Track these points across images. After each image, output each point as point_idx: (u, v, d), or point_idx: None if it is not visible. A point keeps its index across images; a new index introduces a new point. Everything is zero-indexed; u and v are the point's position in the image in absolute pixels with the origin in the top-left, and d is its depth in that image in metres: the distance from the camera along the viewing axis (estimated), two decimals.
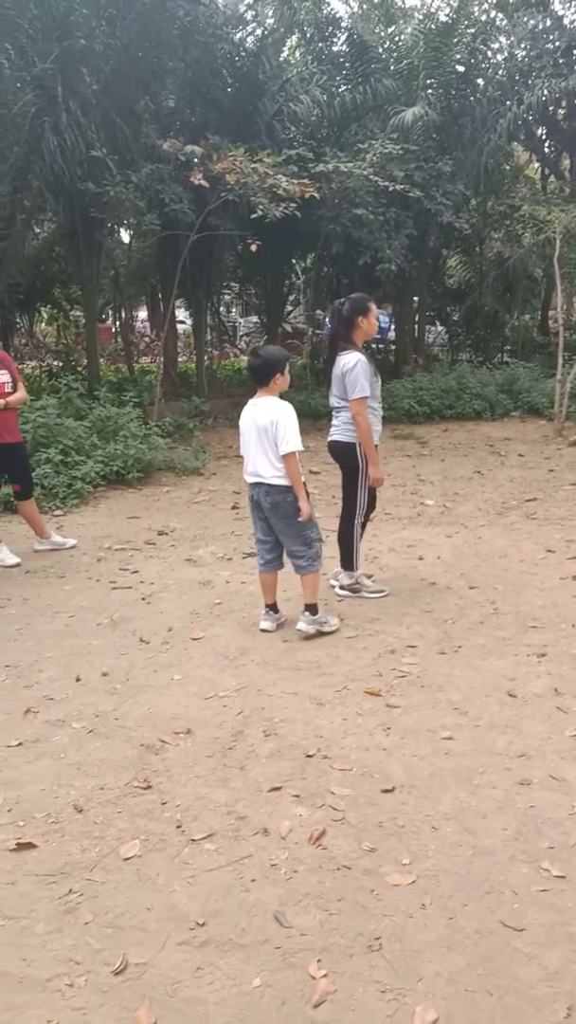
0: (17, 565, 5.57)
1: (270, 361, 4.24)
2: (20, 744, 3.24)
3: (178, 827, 2.71)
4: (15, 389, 5.60)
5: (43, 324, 20.34)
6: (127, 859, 2.56)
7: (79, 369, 12.74)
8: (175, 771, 3.03)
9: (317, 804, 2.82)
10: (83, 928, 2.28)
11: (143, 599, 4.95)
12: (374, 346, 17.13)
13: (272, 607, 4.49)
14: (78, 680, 3.81)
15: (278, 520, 4.27)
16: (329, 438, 4.94)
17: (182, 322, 19.31)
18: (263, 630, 4.40)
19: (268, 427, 4.14)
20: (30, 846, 2.62)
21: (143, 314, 23.70)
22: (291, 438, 4.13)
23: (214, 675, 3.87)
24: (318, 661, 4.02)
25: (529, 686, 3.74)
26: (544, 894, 2.39)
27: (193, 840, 2.64)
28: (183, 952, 2.20)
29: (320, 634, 4.32)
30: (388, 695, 3.65)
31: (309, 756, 3.13)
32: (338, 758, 3.12)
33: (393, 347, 16.46)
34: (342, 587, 4.99)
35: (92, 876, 2.49)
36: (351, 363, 4.58)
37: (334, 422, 4.89)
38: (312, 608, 4.36)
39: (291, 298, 18.58)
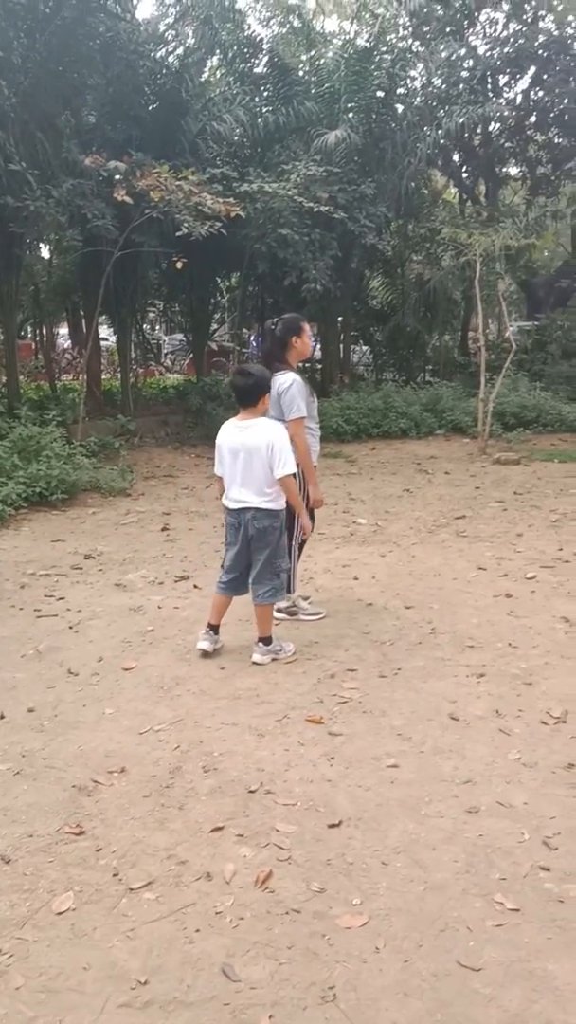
0: None
1: (261, 381, 4.12)
2: None
3: (115, 875, 2.54)
4: None
5: None
6: (60, 913, 2.38)
7: None
8: (110, 814, 2.86)
9: (262, 843, 2.70)
10: (14, 994, 2.09)
11: (71, 627, 4.73)
12: (299, 365, 17.18)
13: (215, 628, 4.35)
14: (2, 717, 3.58)
15: (260, 546, 4.13)
16: None
17: (105, 339, 18.99)
18: (201, 650, 4.25)
19: (262, 449, 4.01)
20: None
21: (64, 330, 23.23)
22: (288, 460, 4.04)
23: (148, 707, 3.70)
24: (257, 689, 3.90)
25: (470, 708, 3.70)
26: (499, 929, 2.32)
27: (131, 889, 2.47)
28: (125, 1015, 2.03)
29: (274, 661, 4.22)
30: (330, 722, 3.55)
31: (251, 791, 3.00)
32: (282, 792, 3.00)
33: (319, 366, 16.54)
34: (279, 610, 4.89)
35: (22, 934, 2.30)
36: (286, 383, 4.51)
37: None
38: (267, 639, 4.24)
39: (216, 316, 18.52)
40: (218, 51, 13.99)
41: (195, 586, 5.48)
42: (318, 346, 16.97)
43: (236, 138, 12.34)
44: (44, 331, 15.31)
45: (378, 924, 2.34)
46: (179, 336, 21.64)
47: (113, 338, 16.85)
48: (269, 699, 3.78)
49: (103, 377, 15.34)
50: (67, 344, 21.17)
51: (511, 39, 15.86)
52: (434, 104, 15.16)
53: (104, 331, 18.83)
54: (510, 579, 5.68)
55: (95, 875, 2.54)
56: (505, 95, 16.99)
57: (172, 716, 3.60)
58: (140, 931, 2.31)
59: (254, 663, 4.17)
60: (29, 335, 19.62)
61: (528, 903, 2.42)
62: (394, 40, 15.55)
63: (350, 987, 2.12)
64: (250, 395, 4.11)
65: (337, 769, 3.16)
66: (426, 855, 2.65)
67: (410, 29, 16.52)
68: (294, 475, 4.15)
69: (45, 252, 14.13)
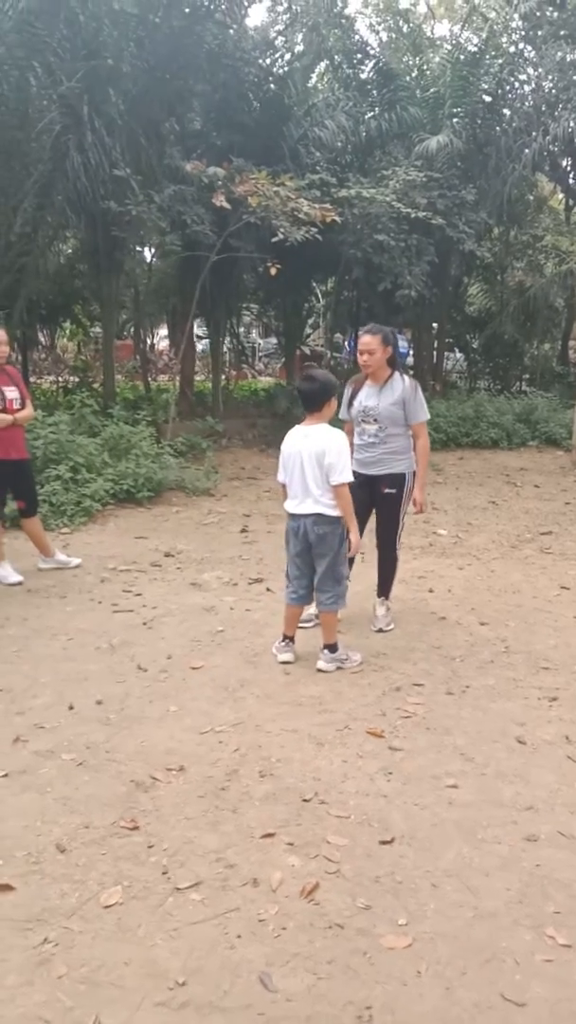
0: (20, 583, 5.47)
1: (326, 386, 4.13)
2: (6, 775, 3.11)
3: (163, 873, 2.57)
4: (23, 406, 5.53)
5: (64, 340, 20.44)
6: (108, 907, 2.43)
7: (95, 386, 12.73)
8: (164, 811, 2.90)
9: (311, 854, 2.68)
10: (56, 982, 2.15)
11: (144, 624, 4.83)
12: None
13: (292, 639, 4.34)
14: (71, 708, 3.69)
15: (321, 552, 4.14)
16: (377, 471, 4.70)
17: (200, 338, 19.33)
18: (284, 662, 4.25)
19: (320, 456, 4.02)
20: (7, 888, 2.49)
21: (164, 332, 23.77)
22: (344, 468, 4.03)
23: (211, 708, 3.73)
24: (320, 697, 3.88)
25: (539, 732, 3.58)
26: (548, 964, 2.24)
27: (178, 889, 2.50)
28: (160, 1014, 2.06)
29: (339, 670, 4.20)
30: (391, 736, 3.50)
31: (306, 800, 2.98)
32: (336, 803, 2.97)
33: (411, 372, 16.38)
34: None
35: (69, 924, 2.36)
36: (412, 385, 4.63)
37: (375, 453, 4.70)
38: (332, 646, 4.23)
39: (311, 321, 18.59)
40: (325, 57, 14.05)
41: (268, 589, 5.51)
42: (411, 353, 16.85)
43: (337, 144, 12.33)
44: (142, 332, 15.68)
45: (422, 947, 2.30)
46: (274, 340, 21.82)
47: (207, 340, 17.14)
48: (331, 708, 3.76)
49: (196, 379, 15.61)
50: (165, 345, 21.67)
51: None
52: (543, 108, 14.76)
53: (200, 333, 19.17)
54: None
55: (144, 871, 2.58)
56: None
57: (234, 718, 3.63)
58: (183, 931, 2.33)
59: (319, 670, 4.15)
60: (129, 336, 20.16)
61: None
62: (505, 43, 15.25)
63: (387, 1010, 2.08)
64: (316, 399, 4.11)
65: (394, 785, 3.12)
66: (478, 881, 2.58)
67: (522, 33, 16.16)
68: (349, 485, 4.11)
69: (146, 255, 14.53)
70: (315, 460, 4.05)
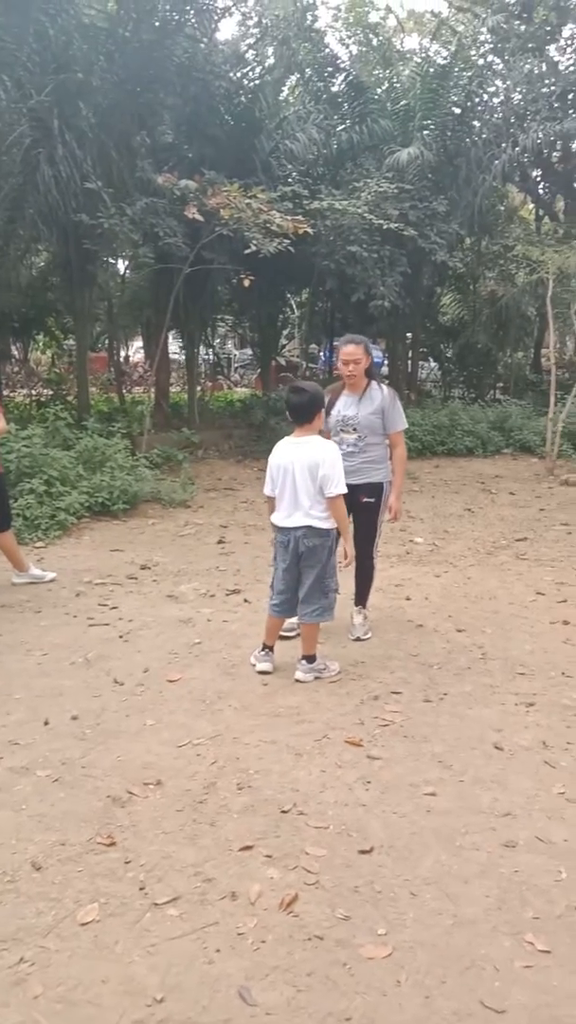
0: None
1: (316, 397, 4.11)
2: None
3: (141, 889, 2.54)
4: None
5: (38, 353, 20.32)
6: (84, 924, 2.40)
7: (69, 398, 12.67)
8: (141, 826, 2.87)
9: (290, 866, 2.67)
10: (32, 1003, 2.11)
11: (120, 637, 4.79)
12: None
13: (271, 648, 4.32)
14: (46, 724, 3.65)
15: (310, 564, 4.11)
16: (356, 480, 4.59)
17: (176, 353, 19.32)
18: (263, 671, 4.22)
19: (314, 468, 4.01)
20: None
21: (139, 344, 23.72)
22: (339, 480, 4.03)
23: (189, 720, 3.71)
24: (298, 707, 3.87)
25: (516, 738, 3.60)
26: (528, 971, 2.24)
27: (156, 904, 2.48)
28: None
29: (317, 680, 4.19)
30: (370, 745, 3.50)
31: (284, 812, 2.97)
32: (314, 814, 2.96)
33: (386, 382, 16.45)
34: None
35: (46, 943, 2.32)
36: (391, 395, 4.66)
37: (354, 462, 4.64)
38: (311, 657, 4.22)
39: (286, 332, 18.65)
40: (296, 71, 14.15)
41: (245, 600, 5.50)
42: (386, 362, 16.94)
43: (309, 156, 12.40)
44: (116, 344, 15.64)
45: (402, 956, 2.29)
46: (249, 351, 21.85)
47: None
48: (310, 718, 3.75)
49: (172, 390, 15.58)
50: (141, 357, 21.62)
51: None
52: (512, 120, 14.97)
53: (176, 346, 19.16)
54: (569, 605, 5.52)
55: (122, 887, 2.55)
56: None
57: (212, 731, 3.61)
58: (161, 947, 2.31)
59: (297, 681, 4.14)
60: (103, 348, 20.10)
61: (560, 945, 2.33)
62: (474, 56, 15.46)
63: (367, 1020, 2.07)
64: (306, 412, 4.09)
65: (373, 794, 3.11)
66: (457, 888, 2.58)
67: (490, 46, 16.40)
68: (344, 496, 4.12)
69: (121, 267, 14.51)
70: (308, 472, 4.02)
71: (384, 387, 4.79)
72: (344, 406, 4.70)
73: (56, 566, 6.18)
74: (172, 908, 2.47)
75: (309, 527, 4.06)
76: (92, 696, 3.97)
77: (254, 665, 4.28)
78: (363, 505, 4.71)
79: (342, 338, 4.80)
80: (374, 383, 4.72)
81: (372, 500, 4.71)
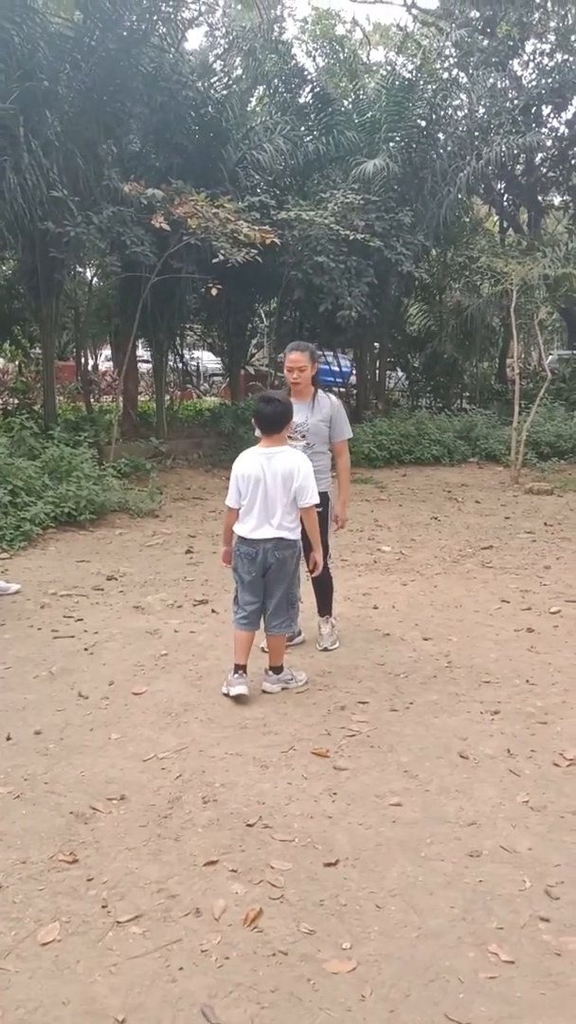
0: None
1: (288, 407, 4.07)
2: None
3: (103, 907, 2.51)
4: None
5: (3, 361, 20.11)
6: (45, 944, 2.36)
7: (35, 407, 12.54)
8: (104, 843, 2.83)
9: (255, 880, 2.65)
10: None
11: (86, 649, 4.74)
12: (337, 390, 17.24)
13: (244, 668, 4.12)
14: (8, 739, 3.59)
15: (279, 577, 4.05)
16: None
17: (147, 361, 19.23)
18: (239, 695, 4.01)
19: (288, 478, 3.96)
20: None
21: (108, 352, 23.56)
22: (313, 490, 4.01)
23: (154, 734, 3.68)
24: (265, 718, 3.86)
25: (481, 746, 3.61)
26: (492, 982, 2.24)
27: (119, 922, 2.44)
28: None
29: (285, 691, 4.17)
30: (336, 756, 3.49)
31: (249, 825, 2.95)
32: (280, 827, 2.95)
33: (354, 392, 16.55)
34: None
35: (5, 964, 2.28)
36: (338, 403, 4.66)
37: None
38: (278, 668, 4.20)
39: (254, 341, 18.66)
40: (263, 82, 14.22)
41: (213, 611, 5.47)
42: (353, 372, 17.03)
43: (277, 167, 12.45)
44: (83, 353, 15.53)
45: (366, 970, 2.28)
46: (216, 360, 21.81)
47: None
48: (276, 730, 3.73)
49: (141, 399, 15.50)
50: (109, 366, 21.48)
51: (556, 69, 15.88)
52: (477, 133, 15.18)
53: (146, 354, 19.07)
54: (533, 613, 5.57)
55: (83, 906, 2.52)
56: (550, 124, 16.99)
57: (177, 743, 3.58)
58: (123, 967, 2.28)
59: (264, 692, 4.13)
60: (72, 357, 19.95)
61: (524, 955, 2.34)
62: (439, 70, 15.66)
63: None
64: (277, 422, 4.03)
65: (339, 805, 3.10)
66: (422, 899, 2.58)
67: (454, 60, 16.63)
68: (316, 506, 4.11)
69: (88, 275, 14.43)
70: (282, 483, 3.96)
71: (331, 396, 4.80)
72: (293, 413, 4.67)
73: (20, 578, 6.10)
74: (135, 926, 2.43)
75: (280, 539, 4.01)
76: (56, 710, 3.92)
77: (226, 693, 4.07)
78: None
79: (288, 345, 4.79)
80: (320, 391, 4.72)
81: (320, 509, 4.66)
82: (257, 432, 4.16)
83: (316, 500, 4.04)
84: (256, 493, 4.01)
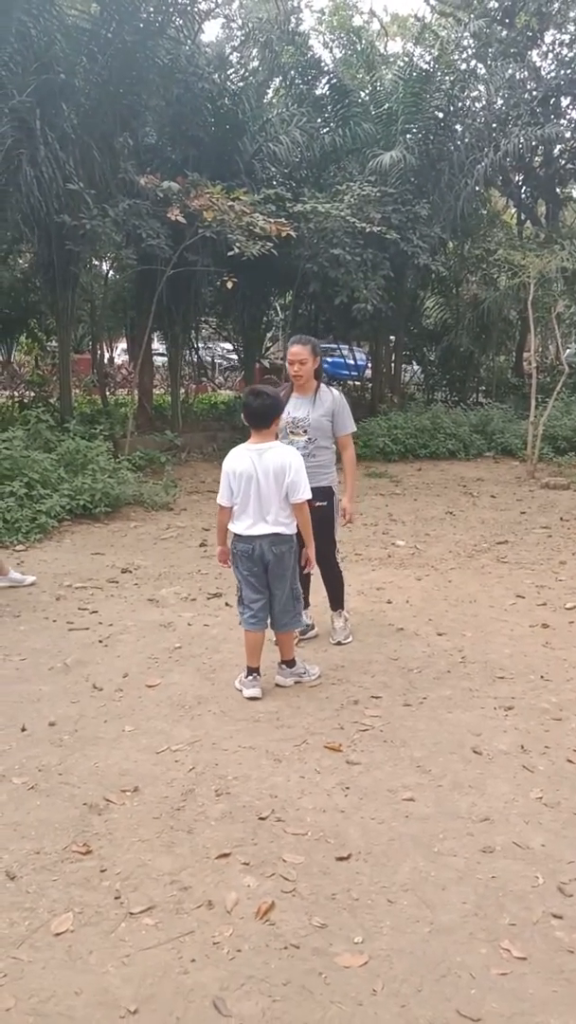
0: None
1: (277, 401, 4.02)
2: None
3: (116, 898, 2.52)
4: None
5: (20, 354, 20.21)
6: (58, 934, 2.37)
7: (51, 400, 12.60)
8: (118, 834, 2.85)
9: (267, 873, 2.65)
10: (3, 1015, 2.09)
11: (100, 641, 4.76)
12: (352, 383, 17.19)
13: (257, 670, 4.08)
14: (23, 730, 3.61)
15: (279, 572, 4.02)
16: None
17: (162, 355, 19.24)
18: (253, 698, 3.98)
19: (280, 474, 3.92)
20: None
21: (124, 345, 23.60)
22: (306, 485, 3.97)
23: (168, 726, 3.69)
24: (278, 712, 3.86)
25: (495, 742, 3.60)
26: (504, 978, 2.23)
27: (131, 914, 2.46)
28: None
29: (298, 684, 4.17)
30: (349, 750, 3.49)
31: (262, 818, 2.96)
32: (293, 821, 2.95)
33: (369, 385, 16.51)
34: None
35: (19, 954, 2.30)
36: (340, 397, 4.60)
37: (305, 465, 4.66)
38: (290, 662, 4.19)
39: (269, 334, 18.63)
40: (279, 74, 14.17)
41: (227, 604, 5.48)
42: (369, 365, 16.98)
43: (293, 159, 12.43)
44: (99, 346, 15.56)
45: (378, 965, 2.28)
46: (232, 354, 21.79)
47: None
48: (289, 723, 3.74)
49: (156, 392, 15.53)
50: (125, 359, 21.52)
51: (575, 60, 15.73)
52: (494, 125, 15.06)
53: (162, 347, 19.08)
54: (548, 608, 5.54)
55: (97, 896, 2.53)
56: (569, 115, 16.82)
57: (190, 736, 3.59)
58: (136, 957, 2.29)
59: (277, 685, 4.13)
60: (88, 350, 20.01)
61: (536, 952, 2.33)
62: (456, 61, 15.54)
63: None
64: (266, 416, 3.97)
65: (351, 800, 3.10)
66: (435, 895, 2.58)
67: (472, 50, 16.50)
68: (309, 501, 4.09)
69: (104, 268, 14.45)
70: (275, 478, 3.92)
71: (334, 389, 4.77)
72: (294, 408, 4.61)
73: (36, 570, 6.14)
74: (147, 917, 2.45)
75: (276, 534, 3.97)
76: (70, 702, 3.94)
77: (240, 691, 4.05)
78: (315, 510, 4.66)
79: (291, 338, 4.76)
80: (323, 385, 4.68)
81: (324, 504, 4.64)
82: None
83: (308, 496, 4.00)
84: (249, 490, 3.96)
